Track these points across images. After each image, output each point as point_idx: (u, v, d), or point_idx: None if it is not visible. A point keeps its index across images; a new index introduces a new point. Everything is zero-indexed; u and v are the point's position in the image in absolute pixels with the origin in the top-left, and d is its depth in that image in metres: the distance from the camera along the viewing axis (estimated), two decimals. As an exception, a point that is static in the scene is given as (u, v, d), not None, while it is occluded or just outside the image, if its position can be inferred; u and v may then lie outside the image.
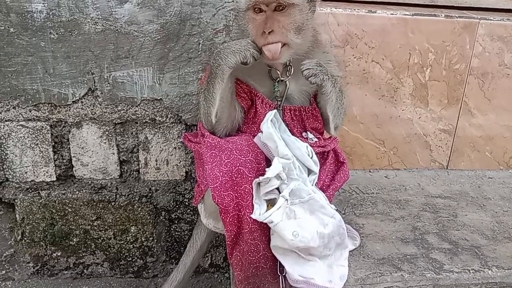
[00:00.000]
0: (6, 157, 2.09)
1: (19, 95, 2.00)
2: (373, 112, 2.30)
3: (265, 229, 1.52)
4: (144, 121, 2.11)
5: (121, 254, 2.30)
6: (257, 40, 1.54)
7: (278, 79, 1.66)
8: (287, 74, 1.66)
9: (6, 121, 2.04)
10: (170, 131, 2.15)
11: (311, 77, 1.55)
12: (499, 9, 2.46)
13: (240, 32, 1.76)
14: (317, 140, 1.71)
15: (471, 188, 2.30)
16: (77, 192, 2.18)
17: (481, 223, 1.98)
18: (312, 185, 1.58)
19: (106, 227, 2.24)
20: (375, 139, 2.35)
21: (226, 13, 1.98)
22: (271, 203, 1.51)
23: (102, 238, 2.26)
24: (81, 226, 2.23)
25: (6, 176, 2.13)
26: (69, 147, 2.12)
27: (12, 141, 2.07)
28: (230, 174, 1.50)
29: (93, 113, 2.07)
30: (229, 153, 1.52)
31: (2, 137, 2.06)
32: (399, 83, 2.27)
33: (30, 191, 2.16)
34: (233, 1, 1.95)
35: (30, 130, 2.06)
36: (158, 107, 2.09)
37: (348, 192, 2.17)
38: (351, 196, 2.14)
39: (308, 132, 1.72)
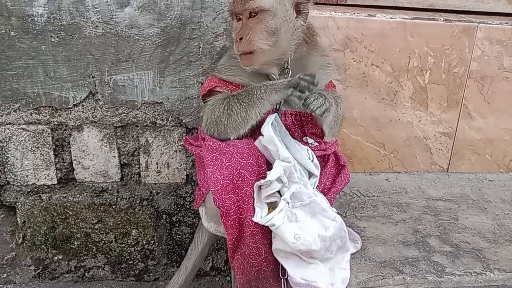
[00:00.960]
0: (7, 160, 2.09)
1: (20, 99, 2.00)
2: (373, 115, 2.31)
3: (266, 232, 1.52)
4: (144, 124, 2.11)
5: (122, 257, 2.30)
6: (235, 47, 1.60)
7: None
8: (285, 77, 1.67)
9: (7, 124, 2.04)
10: (171, 134, 2.15)
11: (317, 109, 1.55)
12: (497, 13, 2.47)
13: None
14: (317, 144, 1.72)
15: (472, 191, 2.30)
16: (78, 195, 2.18)
17: (482, 226, 1.98)
18: (313, 188, 1.59)
19: (107, 230, 2.24)
20: (376, 142, 2.36)
21: (226, 17, 1.99)
22: (272, 206, 1.51)
23: (103, 241, 2.26)
24: (82, 229, 2.23)
25: (7, 179, 2.13)
26: (70, 150, 2.12)
27: (13, 144, 2.07)
28: (231, 177, 1.50)
29: (94, 116, 2.07)
30: (230, 156, 1.52)
31: (3, 140, 2.06)
32: (398, 86, 2.27)
33: (31, 194, 2.16)
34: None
35: (31, 133, 2.06)
36: (158, 110, 2.10)
37: (349, 195, 2.17)
38: (352, 199, 2.14)
39: (308, 138, 1.73)
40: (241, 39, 1.57)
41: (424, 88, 2.30)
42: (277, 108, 1.67)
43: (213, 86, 1.70)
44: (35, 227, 2.19)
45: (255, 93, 1.58)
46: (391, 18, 2.18)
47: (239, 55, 1.61)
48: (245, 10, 1.57)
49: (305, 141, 1.72)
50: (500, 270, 1.70)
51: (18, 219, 2.18)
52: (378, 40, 2.18)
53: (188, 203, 2.27)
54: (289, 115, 1.71)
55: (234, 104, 1.59)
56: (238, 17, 1.61)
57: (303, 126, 1.73)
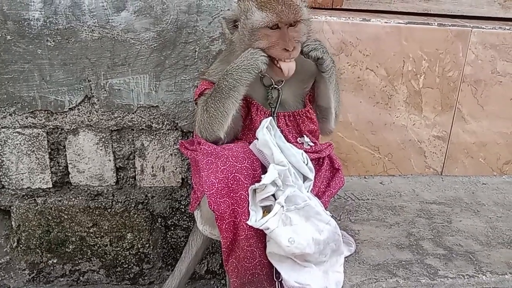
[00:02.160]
0: (2, 164, 2.09)
1: (15, 102, 2.00)
2: (368, 119, 2.32)
3: (261, 236, 1.53)
4: (140, 128, 2.12)
5: (117, 261, 2.30)
6: (278, 55, 1.56)
7: (271, 86, 1.68)
8: (280, 81, 1.68)
9: (2, 128, 2.04)
10: (166, 138, 2.16)
11: (311, 51, 1.58)
12: (491, 17, 2.50)
13: (228, 43, 1.77)
14: (313, 145, 1.73)
15: (465, 194, 2.32)
16: (73, 199, 2.18)
17: (475, 228, 2.00)
18: (308, 191, 1.60)
19: (102, 234, 2.24)
20: (370, 146, 2.37)
21: (222, 21, 2.00)
22: (267, 209, 1.52)
23: (98, 245, 2.26)
24: (77, 233, 2.23)
25: (2, 183, 2.12)
26: (66, 154, 2.12)
27: (9, 148, 2.07)
28: (226, 180, 1.51)
29: (89, 120, 2.07)
30: (225, 160, 1.53)
31: (-2, 144, 2.06)
32: (393, 90, 2.29)
33: (26, 198, 2.15)
34: (229, 10, 1.97)
35: (27, 137, 2.07)
36: (154, 114, 2.11)
37: (343, 198, 2.18)
38: (346, 203, 2.15)
39: (305, 136, 1.74)
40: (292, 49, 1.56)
41: (418, 92, 2.31)
42: (272, 111, 1.68)
43: (203, 89, 1.71)
44: (30, 230, 2.19)
45: (224, 85, 1.57)
46: (386, 22, 2.20)
47: (281, 65, 1.57)
48: (293, 20, 1.56)
49: (300, 142, 1.73)
50: (492, 273, 1.71)
51: (13, 222, 2.18)
52: (372, 44, 2.20)
53: (183, 207, 2.28)
54: (282, 117, 1.72)
55: (209, 101, 1.61)
56: (276, 26, 1.56)
57: (298, 125, 1.74)
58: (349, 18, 2.19)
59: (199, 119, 1.66)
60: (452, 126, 2.40)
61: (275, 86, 1.67)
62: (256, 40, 1.57)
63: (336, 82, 1.75)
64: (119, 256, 2.29)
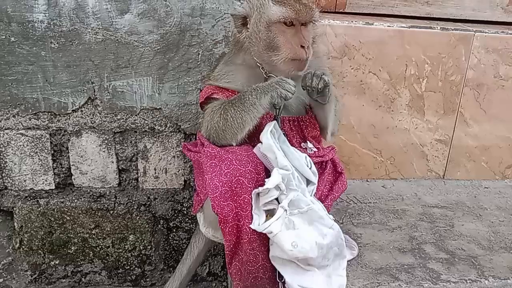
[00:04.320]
0: (5, 165, 2.09)
1: (19, 104, 2.01)
2: (370, 122, 2.32)
3: (264, 240, 1.53)
4: (143, 130, 2.12)
5: (119, 263, 2.30)
6: (293, 52, 1.60)
7: None
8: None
9: (5, 129, 2.04)
10: (169, 140, 2.16)
11: (323, 75, 1.60)
12: (494, 21, 2.50)
13: (233, 44, 1.78)
14: (316, 150, 1.73)
15: (468, 198, 2.32)
16: (75, 201, 2.18)
17: (478, 233, 2.00)
18: (311, 195, 1.60)
19: (104, 235, 2.24)
20: (372, 149, 2.37)
21: (226, 24, 2.01)
22: (270, 213, 1.52)
23: (100, 247, 2.26)
24: (79, 235, 2.23)
25: (5, 184, 2.13)
26: (68, 156, 2.12)
27: (12, 149, 2.07)
28: (229, 184, 1.51)
29: (92, 122, 2.08)
30: (229, 163, 1.54)
31: (1, 145, 2.06)
32: (395, 94, 2.29)
33: (29, 199, 2.16)
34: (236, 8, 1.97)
35: (30, 138, 2.07)
36: (157, 116, 2.11)
37: (345, 202, 2.18)
38: (349, 206, 2.16)
39: (308, 142, 1.74)
40: (307, 46, 1.60)
41: (420, 95, 2.32)
42: (276, 114, 1.68)
43: (210, 93, 1.71)
44: (32, 232, 2.19)
45: (247, 98, 1.59)
46: (389, 26, 2.20)
47: (293, 61, 1.61)
48: (309, 19, 1.62)
49: (303, 147, 1.74)
50: (495, 277, 1.71)
51: (16, 224, 2.18)
52: (375, 48, 2.20)
53: (185, 209, 2.28)
54: (287, 121, 1.73)
55: (229, 110, 1.61)
56: (291, 22, 1.60)
57: (302, 131, 1.75)
58: (352, 21, 2.19)
59: (212, 123, 1.65)
60: (454, 130, 2.40)
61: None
62: (273, 36, 1.60)
63: (334, 105, 1.77)
64: (121, 257, 2.29)
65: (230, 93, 1.71)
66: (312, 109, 1.80)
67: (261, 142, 1.56)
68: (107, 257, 2.29)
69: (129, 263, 2.31)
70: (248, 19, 1.65)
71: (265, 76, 1.68)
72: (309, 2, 1.62)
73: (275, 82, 1.58)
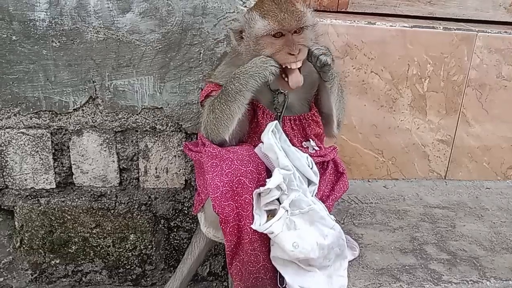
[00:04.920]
0: (6, 164, 2.09)
1: (20, 103, 2.00)
2: (372, 122, 2.32)
3: (265, 240, 1.53)
4: (144, 129, 2.12)
5: (120, 262, 2.30)
6: (284, 60, 1.55)
7: (278, 90, 1.68)
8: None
9: (6, 128, 2.04)
10: (170, 140, 2.16)
11: (321, 55, 1.56)
12: (496, 21, 2.49)
13: (233, 51, 1.77)
14: (318, 149, 1.73)
15: (469, 198, 2.31)
16: (76, 200, 2.18)
17: (479, 233, 1.99)
18: (312, 195, 1.59)
19: (105, 235, 2.24)
20: (374, 149, 2.37)
21: (227, 24, 2.00)
22: (271, 213, 1.52)
23: (101, 246, 2.26)
24: (80, 234, 2.23)
25: (6, 183, 2.13)
26: (69, 155, 2.12)
27: (13, 148, 2.07)
28: (231, 184, 1.51)
29: (93, 121, 2.07)
30: (230, 163, 1.53)
31: (2, 144, 2.06)
32: (397, 93, 2.29)
33: (30, 198, 2.15)
34: (234, 12, 1.97)
35: (31, 137, 2.07)
36: (158, 116, 2.10)
37: (347, 202, 2.18)
38: (350, 206, 2.15)
39: (310, 140, 1.74)
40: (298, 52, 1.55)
41: (423, 95, 2.31)
42: (278, 115, 1.68)
43: (210, 91, 1.71)
44: (33, 231, 2.19)
45: (231, 88, 1.56)
46: (391, 26, 2.20)
47: (289, 75, 1.57)
48: (296, 27, 1.55)
49: (305, 146, 1.73)
50: (496, 279, 1.71)
51: (16, 223, 2.18)
52: (377, 48, 2.20)
53: (186, 209, 2.28)
54: (288, 120, 1.72)
55: (216, 103, 1.60)
56: (280, 33, 1.55)
57: (304, 129, 1.74)
58: (354, 21, 2.18)
59: (205, 119, 1.66)
60: (456, 130, 2.40)
61: (282, 91, 1.66)
62: (261, 49, 1.56)
63: (340, 91, 1.75)
64: (122, 257, 2.29)
65: None
66: (317, 98, 1.78)
67: (262, 142, 1.55)
68: (108, 257, 2.28)
69: (129, 263, 2.31)
70: (243, 33, 1.64)
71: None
72: (297, 8, 1.56)
73: (256, 63, 1.54)
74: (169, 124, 2.12)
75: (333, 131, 1.83)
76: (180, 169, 2.22)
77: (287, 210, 1.48)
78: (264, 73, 1.53)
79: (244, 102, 1.58)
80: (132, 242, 2.27)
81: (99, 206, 2.19)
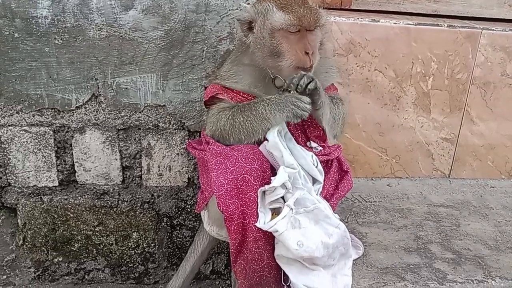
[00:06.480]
0: (8, 161, 2.08)
1: (22, 100, 2.00)
2: (376, 121, 2.31)
3: (269, 238, 1.52)
4: (147, 127, 2.11)
5: (123, 260, 2.30)
6: (297, 59, 1.55)
7: (283, 88, 1.67)
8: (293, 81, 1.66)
9: (9, 125, 2.03)
10: (173, 138, 2.15)
11: (310, 83, 1.54)
12: (501, 19, 2.47)
13: (239, 44, 1.76)
14: (321, 149, 1.72)
15: (473, 197, 2.30)
16: (79, 198, 2.17)
17: (484, 232, 1.98)
18: (317, 194, 1.58)
19: (108, 232, 2.24)
20: (378, 147, 2.36)
21: (230, 21, 1.99)
22: (276, 212, 1.51)
23: (103, 244, 2.25)
24: (82, 232, 2.22)
25: (9, 180, 2.12)
26: (72, 153, 2.11)
27: (15, 145, 2.06)
28: (235, 182, 1.50)
29: (96, 118, 2.07)
30: (234, 160, 1.52)
31: (5, 142, 2.05)
32: (401, 91, 2.27)
33: (32, 196, 2.15)
34: (237, 9, 1.96)
35: (33, 135, 2.06)
36: (161, 114, 2.09)
37: (350, 200, 2.17)
38: (354, 205, 2.14)
39: (312, 142, 1.73)
40: (312, 53, 1.55)
41: (427, 93, 2.30)
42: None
43: (215, 93, 1.70)
44: (35, 229, 2.19)
45: (260, 110, 1.57)
46: (395, 23, 2.18)
47: (297, 68, 1.57)
48: (314, 25, 1.55)
49: (309, 146, 1.72)
50: (501, 278, 1.70)
51: (19, 220, 2.18)
52: (381, 45, 2.19)
53: (189, 207, 2.27)
54: None
55: (238, 117, 1.60)
56: (296, 29, 1.55)
57: (305, 131, 1.73)
58: (358, 18, 2.17)
59: (219, 126, 1.65)
60: (460, 128, 2.39)
61: (287, 88, 1.65)
62: (276, 43, 1.56)
63: (335, 108, 1.72)
64: (125, 255, 2.29)
65: (234, 94, 1.69)
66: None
67: (267, 140, 1.54)
68: (111, 255, 2.28)
69: (132, 261, 2.30)
70: (253, 24, 1.63)
71: (272, 77, 1.66)
72: (314, 6, 1.57)
73: (290, 101, 1.55)
74: (171, 122, 2.11)
75: (330, 140, 1.82)
76: (183, 167, 2.21)
77: (291, 209, 1.47)
78: (297, 113, 1.55)
79: (268, 128, 1.57)
80: (134, 240, 2.27)
81: (102, 204, 2.19)
